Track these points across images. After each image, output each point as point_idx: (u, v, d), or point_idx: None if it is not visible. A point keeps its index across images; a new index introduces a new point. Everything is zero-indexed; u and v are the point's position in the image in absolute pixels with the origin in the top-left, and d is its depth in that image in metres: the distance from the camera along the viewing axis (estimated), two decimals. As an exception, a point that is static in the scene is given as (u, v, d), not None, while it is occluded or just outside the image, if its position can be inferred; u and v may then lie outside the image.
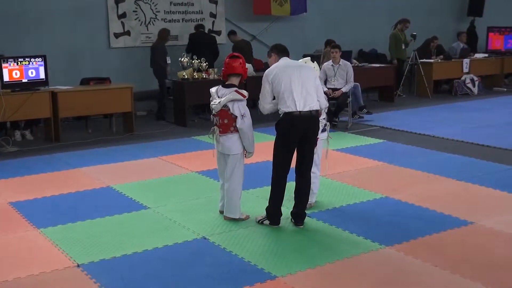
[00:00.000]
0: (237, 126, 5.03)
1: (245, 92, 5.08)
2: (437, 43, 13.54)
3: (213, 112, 5.20)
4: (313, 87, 5.01)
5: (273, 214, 5.10)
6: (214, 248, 4.69)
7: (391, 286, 3.97)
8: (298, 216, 5.14)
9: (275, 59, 5.16)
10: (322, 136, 5.64)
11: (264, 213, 5.16)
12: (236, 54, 5.32)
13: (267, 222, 5.13)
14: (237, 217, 5.26)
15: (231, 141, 5.13)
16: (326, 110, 5.74)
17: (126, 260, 4.49)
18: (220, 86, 5.20)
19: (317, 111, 4.98)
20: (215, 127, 5.23)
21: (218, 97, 5.10)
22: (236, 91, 5.03)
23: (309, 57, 5.95)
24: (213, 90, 5.21)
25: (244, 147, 5.18)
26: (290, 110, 4.83)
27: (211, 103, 5.17)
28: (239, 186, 5.26)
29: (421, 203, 5.68)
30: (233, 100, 5.00)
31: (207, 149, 8.22)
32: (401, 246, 4.63)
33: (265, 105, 5.07)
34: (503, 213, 5.36)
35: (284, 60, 5.12)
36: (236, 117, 5.01)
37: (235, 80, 5.17)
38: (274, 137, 4.98)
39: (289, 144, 4.98)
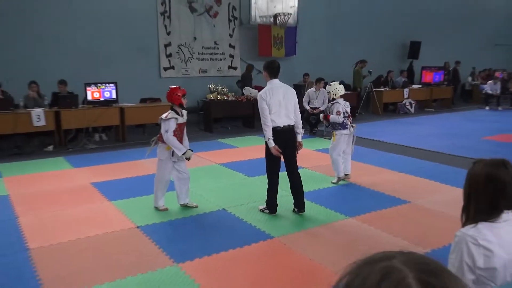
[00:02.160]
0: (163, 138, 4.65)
1: (170, 114, 4.62)
2: (392, 75, 13.59)
3: None
4: (292, 107, 4.61)
5: (271, 205, 4.73)
6: (230, 216, 4.71)
7: (353, 243, 3.99)
8: (299, 205, 4.77)
9: (267, 76, 4.61)
10: (345, 132, 5.79)
11: (264, 204, 4.80)
12: (172, 87, 4.82)
13: (267, 211, 4.75)
14: (157, 206, 4.87)
15: (160, 149, 4.75)
16: (341, 119, 5.75)
17: (171, 223, 4.53)
18: None
19: (293, 125, 4.63)
20: (157, 136, 4.83)
21: None
22: (168, 113, 4.65)
23: (339, 81, 6.13)
24: None
25: (169, 156, 4.70)
26: (275, 125, 4.50)
27: None
28: (157, 182, 4.80)
29: (373, 187, 5.70)
30: (160, 119, 4.66)
31: (226, 148, 8.28)
32: (360, 217, 4.65)
33: (268, 120, 4.52)
34: (431, 195, 5.37)
35: (273, 84, 4.58)
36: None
37: (173, 105, 4.74)
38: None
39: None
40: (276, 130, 4.54)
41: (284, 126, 4.56)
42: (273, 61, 4.71)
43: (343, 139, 5.81)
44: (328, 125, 5.88)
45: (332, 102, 5.89)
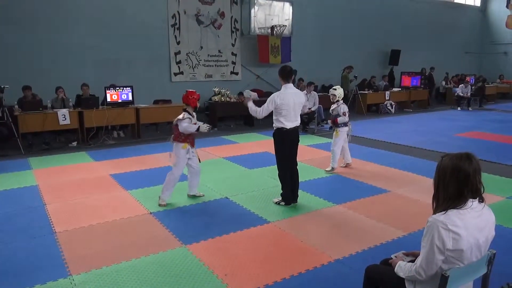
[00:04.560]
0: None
1: (185, 115, 4.51)
2: (375, 79, 13.54)
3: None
4: (299, 110, 4.48)
5: (286, 197, 4.57)
6: (232, 203, 4.70)
7: (339, 227, 3.99)
8: (294, 197, 4.63)
9: (281, 81, 4.40)
10: (345, 129, 5.99)
11: (279, 197, 4.64)
12: (189, 90, 4.67)
13: (282, 203, 4.57)
14: (161, 198, 4.62)
15: (176, 148, 4.58)
16: (346, 118, 5.94)
17: (180, 209, 4.51)
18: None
19: (298, 126, 4.53)
20: (172, 135, 4.65)
21: None
22: (184, 114, 4.50)
23: (339, 86, 6.27)
24: None
25: (184, 154, 4.56)
26: (282, 126, 4.40)
27: None
28: (170, 176, 4.57)
29: (357, 178, 5.69)
30: (177, 119, 4.52)
31: (229, 144, 8.25)
32: (346, 204, 4.64)
33: (262, 116, 4.49)
34: (408, 185, 5.36)
35: (287, 88, 4.37)
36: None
37: (187, 107, 4.61)
38: (267, 137, 4.82)
39: (285, 148, 4.48)
40: (283, 131, 4.41)
41: (290, 128, 4.41)
42: (284, 66, 4.41)
43: (343, 135, 6.02)
44: (337, 127, 5.95)
45: (338, 104, 5.99)
